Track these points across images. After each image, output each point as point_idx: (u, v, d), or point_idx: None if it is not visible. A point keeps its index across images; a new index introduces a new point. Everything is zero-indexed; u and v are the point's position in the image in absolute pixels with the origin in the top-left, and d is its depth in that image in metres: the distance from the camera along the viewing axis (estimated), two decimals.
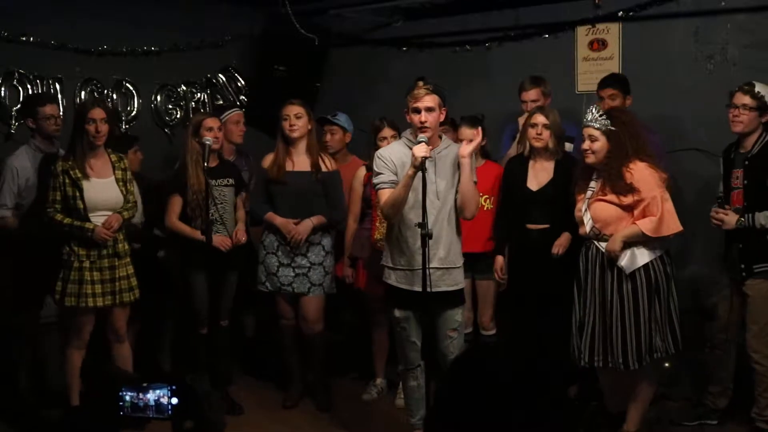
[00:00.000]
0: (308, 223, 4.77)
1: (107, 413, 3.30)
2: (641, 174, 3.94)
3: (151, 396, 3.24)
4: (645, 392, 4.18)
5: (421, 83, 3.91)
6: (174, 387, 3.19)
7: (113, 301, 4.37)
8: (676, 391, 4.78)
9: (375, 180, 4.00)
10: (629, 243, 3.99)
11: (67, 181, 4.27)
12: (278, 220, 4.78)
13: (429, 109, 3.83)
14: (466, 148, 3.89)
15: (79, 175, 4.28)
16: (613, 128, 3.98)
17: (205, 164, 4.41)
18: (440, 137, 4.03)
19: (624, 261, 3.99)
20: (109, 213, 4.35)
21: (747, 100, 4.15)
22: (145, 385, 3.25)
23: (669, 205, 3.98)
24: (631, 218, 3.99)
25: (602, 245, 4.05)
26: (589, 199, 4.09)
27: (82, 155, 4.31)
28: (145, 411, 3.20)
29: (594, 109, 4.06)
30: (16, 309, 4.73)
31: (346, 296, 5.10)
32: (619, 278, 4.01)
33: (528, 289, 4.56)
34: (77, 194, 4.27)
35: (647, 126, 4.79)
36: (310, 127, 4.83)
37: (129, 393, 3.24)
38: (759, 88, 4.16)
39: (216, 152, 4.72)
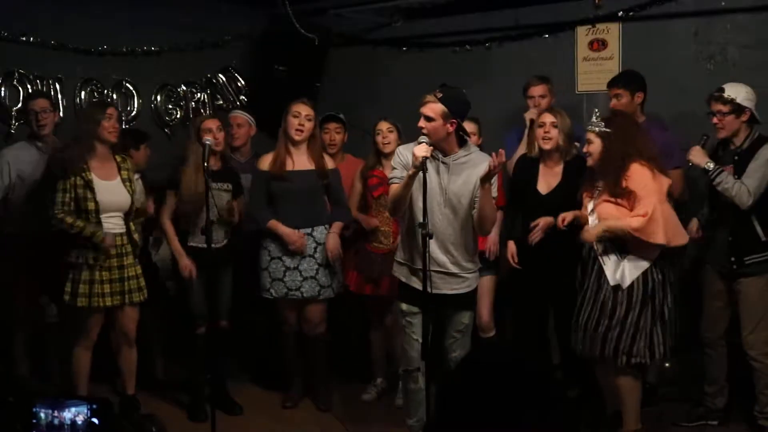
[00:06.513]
0: (335, 237, 4.75)
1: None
2: (637, 176, 3.92)
3: (68, 414, 2.98)
4: (625, 390, 4.13)
5: (437, 90, 3.80)
6: (94, 406, 2.95)
7: (122, 300, 4.37)
8: (676, 391, 4.78)
9: (389, 175, 4.03)
10: (622, 251, 3.97)
11: (78, 182, 4.25)
12: (282, 230, 4.70)
13: (427, 118, 3.75)
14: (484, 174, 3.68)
15: (91, 176, 4.27)
16: (606, 130, 3.98)
17: (205, 164, 4.35)
18: (464, 144, 3.89)
19: (616, 274, 3.97)
20: (118, 214, 4.35)
21: (720, 107, 4.16)
22: (62, 401, 3.01)
23: (668, 212, 3.95)
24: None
25: (599, 247, 4.05)
26: (595, 199, 4.09)
27: (94, 156, 4.31)
28: (60, 430, 2.96)
29: (596, 112, 4.08)
30: (19, 308, 4.71)
31: (344, 296, 5.09)
32: None
33: (531, 291, 4.57)
34: (89, 195, 4.26)
35: (660, 123, 4.79)
36: (314, 130, 4.79)
37: (44, 410, 3.00)
38: (729, 90, 4.15)
39: (218, 154, 4.70)
